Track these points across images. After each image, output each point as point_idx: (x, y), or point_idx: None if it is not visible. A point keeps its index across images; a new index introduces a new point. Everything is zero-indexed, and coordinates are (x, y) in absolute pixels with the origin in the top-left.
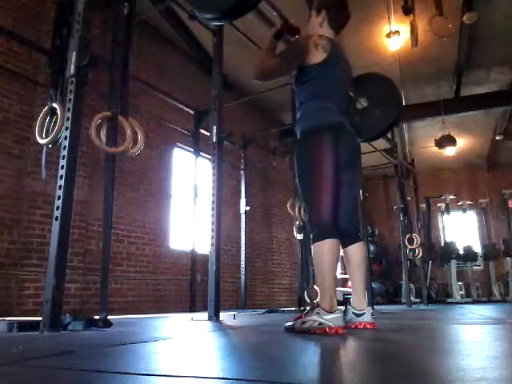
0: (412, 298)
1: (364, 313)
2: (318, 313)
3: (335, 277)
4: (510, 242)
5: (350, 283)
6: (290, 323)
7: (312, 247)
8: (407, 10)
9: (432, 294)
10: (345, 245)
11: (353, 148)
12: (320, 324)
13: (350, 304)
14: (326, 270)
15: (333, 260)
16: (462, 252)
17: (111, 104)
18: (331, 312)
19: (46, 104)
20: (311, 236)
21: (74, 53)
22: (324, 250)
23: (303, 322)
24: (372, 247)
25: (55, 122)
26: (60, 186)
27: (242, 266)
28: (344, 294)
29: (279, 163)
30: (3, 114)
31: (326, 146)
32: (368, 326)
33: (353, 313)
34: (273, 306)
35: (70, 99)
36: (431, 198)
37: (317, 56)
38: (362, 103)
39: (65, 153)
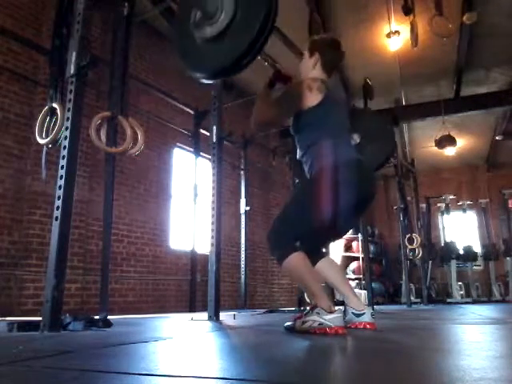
0: (412, 298)
1: (364, 313)
2: (317, 313)
3: (317, 278)
4: (510, 242)
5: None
6: (289, 323)
7: (282, 269)
8: (407, 10)
9: (432, 294)
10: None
11: (369, 190)
12: (320, 324)
13: (348, 305)
14: (305, 277)
15: (305, 266)
16: (462, 252)
17: (111, 104)
18: (331, 312)
19: (46, 104)
20: (276, 259)
21: (74, 53)
22: (292, 263)
23: (303, 322)
24: (372, 247)
25: (55, 122)
26: (60, 186)
27: (242, 266)
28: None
29: (279, 163)
30: (3, 114)
31: (346, 182)
32: (368, 326)
33: (352, 313)
34: (273, 306)
35: (70, 99)
36: (431, 198)
37: (312, 98)
38: (355, 139)
39: (65, 153)
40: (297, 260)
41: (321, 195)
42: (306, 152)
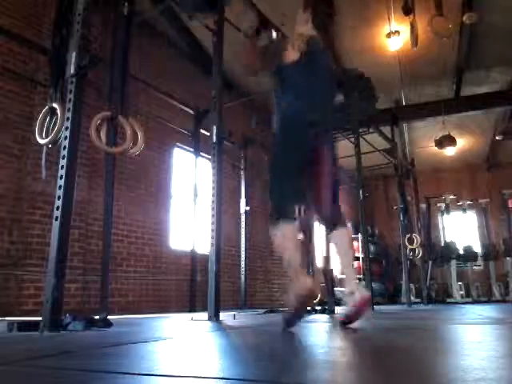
0: (412, 298)
1: (357, 289)
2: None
3: (300, 254)
4: (510, 242)
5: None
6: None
7: (274, 239)
8: (407, 10)
9: (432, 294)
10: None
11: (323, 146)
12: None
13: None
14: (292, 248)
15: (293, 239)
16: (462, 252)
17: (111, 104)
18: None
19: (46, 104)
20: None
21: (74, 53)
22: (282, 234)
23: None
24: (372, 247)
25: (55, 122)
26: (60, 186)
27: (242, 265)
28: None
29: None
30: (3, 114)
31: (295, 139)
32: (361, 302)
33: (346, 293)
34: (273, 305)
35: (70, 99)
36: (431, 198)
37: (291, 55)
38: (340, 98)
39: (65, 153)
40: (288, 232)
41: (281, 154)
42: (275, 105)
